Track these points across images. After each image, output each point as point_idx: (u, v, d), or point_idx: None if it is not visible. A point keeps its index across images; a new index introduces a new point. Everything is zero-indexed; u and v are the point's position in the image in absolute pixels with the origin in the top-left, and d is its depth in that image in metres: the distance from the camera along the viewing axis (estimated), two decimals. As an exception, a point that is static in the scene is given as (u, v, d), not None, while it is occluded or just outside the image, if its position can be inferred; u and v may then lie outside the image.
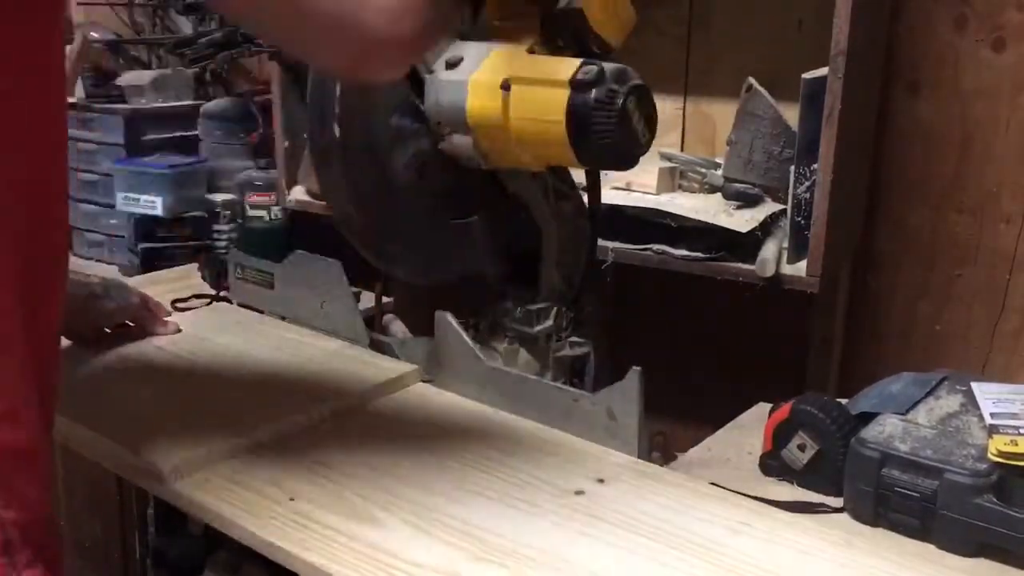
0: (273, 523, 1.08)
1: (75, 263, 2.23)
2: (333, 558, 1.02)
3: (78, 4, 3.13)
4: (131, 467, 1.24)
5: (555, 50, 1.27)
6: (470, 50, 1.27)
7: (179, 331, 1.59)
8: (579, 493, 1.16)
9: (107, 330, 1.57)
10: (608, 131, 1.15)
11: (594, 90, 1.15)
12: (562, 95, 1.16)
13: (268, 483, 1.16)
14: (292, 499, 1.13)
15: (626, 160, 1.22)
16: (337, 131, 1.21)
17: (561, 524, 1.09)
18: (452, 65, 1.26)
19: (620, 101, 1.15)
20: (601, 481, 1.19)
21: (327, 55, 0.98)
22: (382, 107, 1.28)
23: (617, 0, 1.27)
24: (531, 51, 1.24)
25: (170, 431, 1.26)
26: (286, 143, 2.22)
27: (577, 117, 1.16)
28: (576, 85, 1.16)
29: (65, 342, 1.51)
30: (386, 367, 1.49)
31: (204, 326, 1.65)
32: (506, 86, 1.20)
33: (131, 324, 1.58)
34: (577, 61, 1.19)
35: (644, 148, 1.22)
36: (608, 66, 1.18)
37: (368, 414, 1.35)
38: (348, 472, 1.19)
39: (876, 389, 1.29)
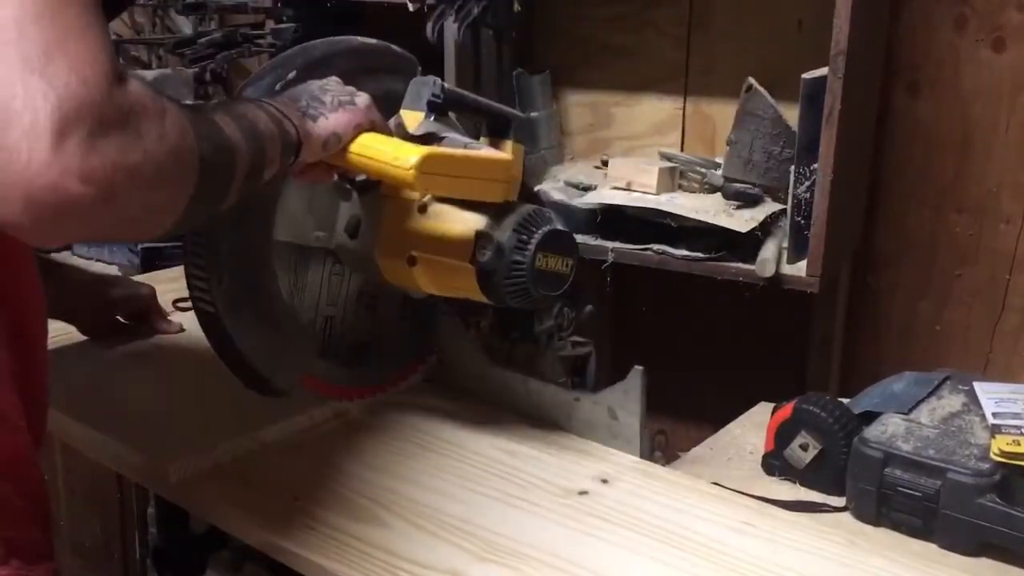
0: (277, 523, 1.08)
1: (75, 263, 2.23)
2: (337, 559, 1.02)
3: (77, 4, 3.13)
4: (134, 466, 1.24)
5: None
6: (364, 209, 1.23)
7: (183, 330, 1.59)
8: (582, 493, 1.16)
9: (120, 319, 1.56)
10: (523, 290, 1.14)
11: (497, 266, 1.12)
12: (468, 271, 1.14)
13: (272, 483, 1.16)
14: (296, 499, 1.13)
15: (551, 299, 1.21)
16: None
17: (565, 524, 1.09)
18: (351, 233, 1.24)
19: (527, 265, 1.12)
20: (604, 481, 1.19)
21: None
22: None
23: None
24: (422, 209, 1.18)
25: (173, 430, 1.26)
26: (286, 143, 2.22)
27: (489, 288, 1.14)
28: (479, 265, 1.13)
29: (78, 337, 1.51)
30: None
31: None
32: (411, 261, 1.18)
33: (140, 317, 1.58)
34: (472, 227, 1.14)
35: (568, 278, 1.19)
36: (504, 233, 1.13)
37: (370, 414, 1.35)
38: (351, 472, 1.19)
39: (878, 389, 1.29)
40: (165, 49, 2.89)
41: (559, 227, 1.16)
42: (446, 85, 1.16)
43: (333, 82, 1.07)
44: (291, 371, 1.23)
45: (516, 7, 1.89)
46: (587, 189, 1.99)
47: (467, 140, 1.14)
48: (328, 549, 1.03)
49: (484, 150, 1.14)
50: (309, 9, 2.14)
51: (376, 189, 1.19)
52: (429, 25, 1.87)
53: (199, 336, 1.20)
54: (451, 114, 1.19)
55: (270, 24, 2.22)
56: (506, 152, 1.19)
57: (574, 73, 2.18)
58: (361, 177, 1.15)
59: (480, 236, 1.13)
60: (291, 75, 1.14)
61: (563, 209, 1.95)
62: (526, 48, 2.17)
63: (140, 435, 1.24)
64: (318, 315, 1.28)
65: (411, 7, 1.93)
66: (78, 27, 0.67)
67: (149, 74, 2.77)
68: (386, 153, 1.02)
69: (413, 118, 1.13)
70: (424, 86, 1.15)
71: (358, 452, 1.24)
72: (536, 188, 2.07)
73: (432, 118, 1.13)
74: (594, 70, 2.16)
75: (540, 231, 1.14)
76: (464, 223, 1.14)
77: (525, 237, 1.13)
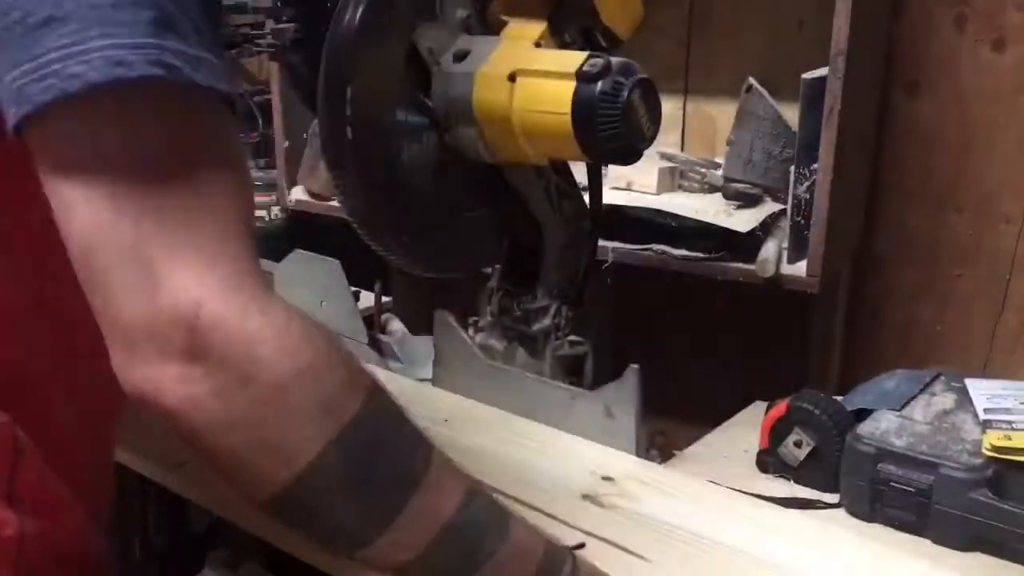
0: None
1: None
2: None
3: (82, 6, 3.14)
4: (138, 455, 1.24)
5: (562, 44, 1.28)
6: (477, 44, 1.28)
7: None
8: (585, 497, 1.15)
9: None
10: (612, 123, 1.16)
11: (600, 82, 1.16)
12: (568, 87, 1.17)
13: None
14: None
15: (630, 153, 1.22)
16: (350, 132, 1.22)
17: (567, 525, 1.09)
18: (459, 58, 1.27)
19: (625, 94, 1.15)
20: (608, 479, 1.18)
21: None
22: (390, 104, 1.29)
23: None
24: (538, 45, 1.26)
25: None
26: (286, 143, 2.23)
27: (582, 108, 1.16)
28: (582, 77, 1.16)
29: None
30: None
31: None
32: (512, 78, 1.21)
33: None
34: (584, 54, 1.19)
35: (648, 142, 1.22)
36: (614, 59, 1.18)
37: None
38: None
39: (870, 386, 1.29)
40: (168, 50, 2.90)
41: (647, 76, 1.21)
42: None
43: None
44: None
45: (516, 7, 1.89)
46: (586, 189, 1.98)
47: None
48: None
49: None
50: (309, 9, 2.14)
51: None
52: (429, 25, 1.87)
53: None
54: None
55: (270, 24, 2.22)
56: None
57: (575, 74, 2.18)
58: None
59: (592, 56, 1.18)
60: None
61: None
62: (526, 49, 2.17)
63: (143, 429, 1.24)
64: None
65: (412, 7, 1.93)
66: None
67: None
68: None
69: None
70: None
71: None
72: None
73: None
74: (595, 70, 2.15)
75: (642, 74, 1.19)
76: (575, 53, 1.21)
77: (631, 70, 1.18)
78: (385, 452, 0.75)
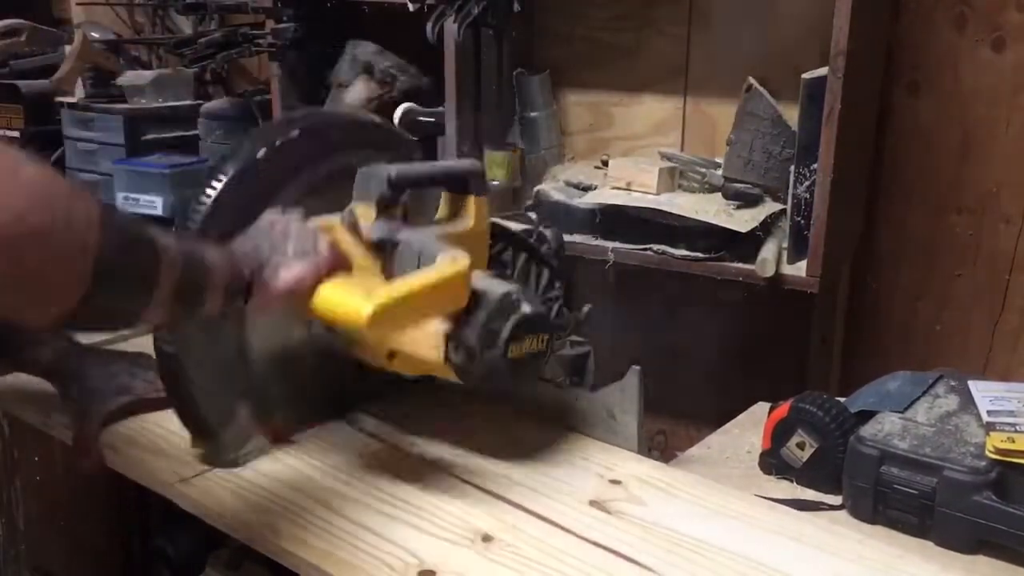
0: (281, 522, 1.08)
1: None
2: (336, 556, 1.02)
3: (78, 4, 3.14)
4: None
5: None
6: None
7: None
8: (593, 503, 1.14)
9: None
10: (503, 383, 1.11)
11: (471, 367, 1.08)
12: (445, 368, 1.09)
13: (277, 482, 1.16)
14: (300, 499, 1.12)
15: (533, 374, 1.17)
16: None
17: (574, 535, 1.08)
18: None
19: (501, 365, 1.09)
20: (616, 482, 1.18)
21: None
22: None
23: None
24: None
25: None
26: (286, 143, 2.22)
27: (468, 382, 1.10)
28: (452, 366, 1.09)
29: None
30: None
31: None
32: (391, 356, 1.13)
33: None
34: (441, 329, 1.08)
35: (546, 352, 1.14)
36: (472, 339, 1.07)
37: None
38: (354, 473, 1.18)
39: (872, 388, 1.29)
40: (165, 49, 2.90)
41: (527, 310, 1.10)
42: (394, 174, 1.12)
43: (295, 224, 1.04)
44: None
45: (516, 7, 1.88)
46: (587, 189, 1.99)
47: (422, 242, 1.10)
48: (329, 544, 1.03)
49: (437, 262, 1.08)
50: (309, 9, 2.14)
51: None
52: (429, 25, 1.87)
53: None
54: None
55: (270, 24, 2.22)
56: (469, 209, 1.19)
57: (574, 73, 2.18)
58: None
59: (449, 339, 1.08)
60: (261, 153, 1.13)
61: (563, 209, 1.96)
62: (526, 48, 2.18)
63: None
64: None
65: (411, 7, 1.93)
66: None
67: (149, 74, 2.77)
68: (341, 306, 1.01)
69: (366, 214, 1.12)
70: (372, 179, 1.12)
71: (358, 453, 1.23)
72: (536, 188, 2.07)
73: (383, 219, 1.11)
74: (594, 70, 2.16)
75: (509, 323, 1.09)
76: (434, 326, 1.09)
77: (494, 334, 1.08)
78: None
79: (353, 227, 1.10)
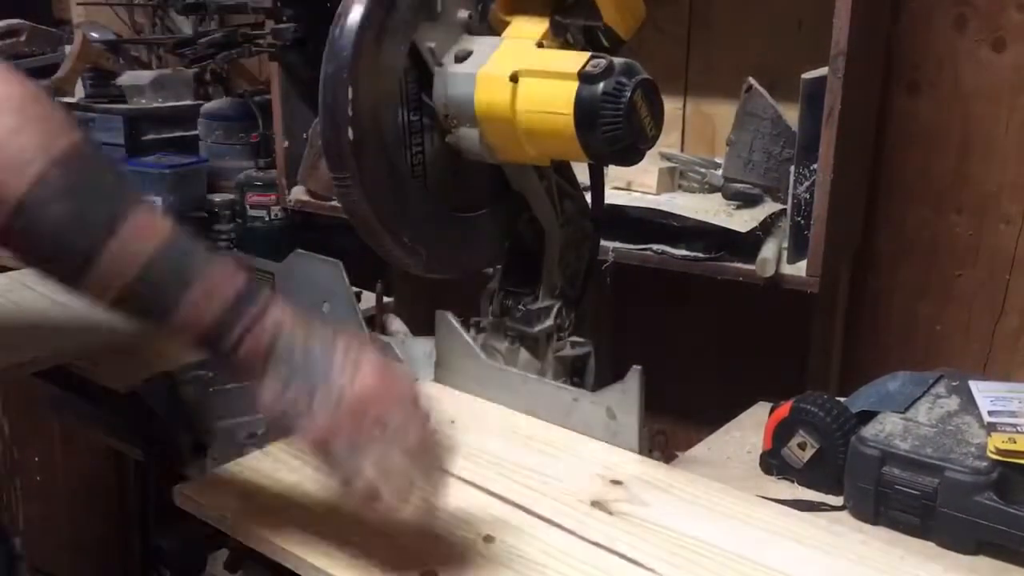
0: (281, 522, 1.08)
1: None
2: (337, 556, 1.02)
3: (78, 4, 3.13)
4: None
5: (564, 44, 1.28)
6: (479, 44, 1.28)
7: None
8: (595, 504, 1.14)
9: None
10: (615, 124, 1.16)
11: (602, 83, 1.15)
12: (570, 87, 1.17)
13: (277, 483, 1.16)
14: (300, 499, 1.12)
15: (632, 154, 1.22)
16: (351, 133, 1.21)
17: (577, 536, 1.08)
18: (461, 59, 1.27)
19: (628, 94, 1.15)
20: (617, 483, 1.18)
21: None
22: (391, 104, 1.28)
23: None
24: (540, 45, 1.25)
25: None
26: (286, 143, 2.22)
27: (584, 109, 1.16)
28: (584, 77, 1.16)
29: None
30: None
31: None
32: (514, 78, 1.20)
33: None
34: (586, 54, 1.19)
35: (650, 143, 1.22)
36: (617, 60, 1.18)
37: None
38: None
39: (873, 388, 1.29)
40: (165, 49, 2.90)
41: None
42: None
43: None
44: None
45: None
46: (587, 189, 1.98)
47: None
48: (330, 547, 1.03)
49: None
50: (309, 9, 2.14)
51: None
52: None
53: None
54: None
55: (270, 24, 2.22)
56: None
57: (574, 73, 2.18)
58: None
59: (594, 56, 1.18)
60: None
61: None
62: (526, 48, 2.17)
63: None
64: None
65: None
66: None
67: (149, 74, 2.77)
68: None
69: None
70: None
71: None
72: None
73: None
74: (594, 70, 2.15)
75: (645, 75, 1.19)
76: (577, 54, 1.21)
77: (633, 70, 1.18)
78: (100, 178, 0.88)
79: None
